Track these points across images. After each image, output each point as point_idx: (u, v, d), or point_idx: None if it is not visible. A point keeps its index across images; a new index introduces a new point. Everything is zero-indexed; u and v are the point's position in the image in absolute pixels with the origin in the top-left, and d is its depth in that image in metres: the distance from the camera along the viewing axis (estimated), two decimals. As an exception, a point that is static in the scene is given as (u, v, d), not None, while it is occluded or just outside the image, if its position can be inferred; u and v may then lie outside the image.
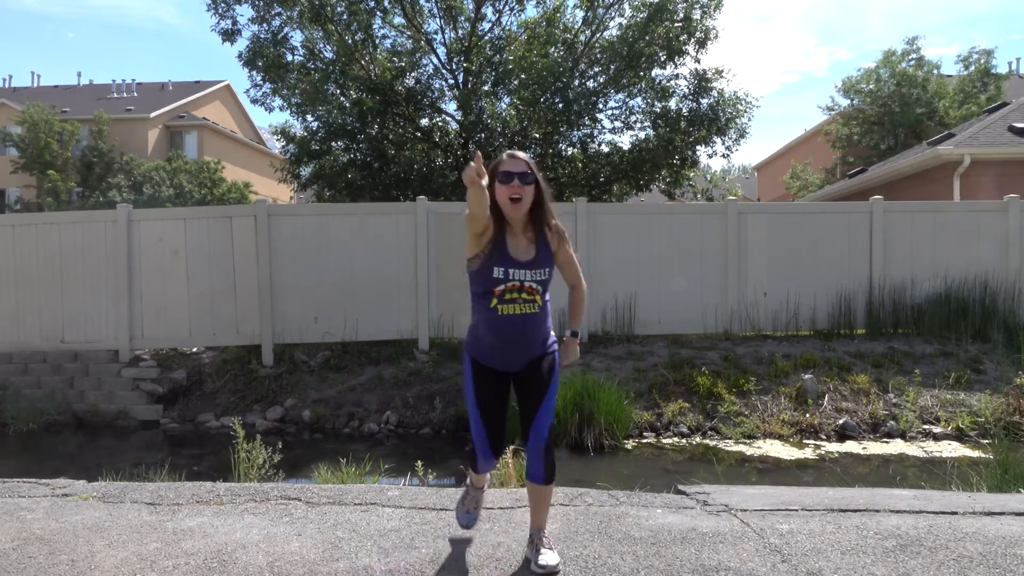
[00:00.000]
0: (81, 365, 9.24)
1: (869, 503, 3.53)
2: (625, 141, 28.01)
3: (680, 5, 13.68)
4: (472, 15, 14.79)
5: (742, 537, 3.04)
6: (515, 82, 13.84)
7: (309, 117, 14.49)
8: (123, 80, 35.20)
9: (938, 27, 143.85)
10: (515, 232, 2.75)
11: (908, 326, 9.55)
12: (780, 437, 7.24)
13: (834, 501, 3.59)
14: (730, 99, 13.89)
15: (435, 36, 15.04)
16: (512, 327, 2.72)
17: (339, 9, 13.87)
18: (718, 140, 14.10)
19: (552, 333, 2.89)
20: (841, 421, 7.42)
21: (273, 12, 14.36)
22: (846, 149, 23.36)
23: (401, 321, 9.42)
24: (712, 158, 25.91)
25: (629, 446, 7.10)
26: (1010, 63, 28.90)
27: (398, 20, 14.74)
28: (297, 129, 15.16)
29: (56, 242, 9.45)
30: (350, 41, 14.21)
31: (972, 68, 22.30)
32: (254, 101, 15.18)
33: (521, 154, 2.72)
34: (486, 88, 14.38)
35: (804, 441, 7.20)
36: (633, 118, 14.80)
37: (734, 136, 14.06)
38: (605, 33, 14.59)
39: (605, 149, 14.92)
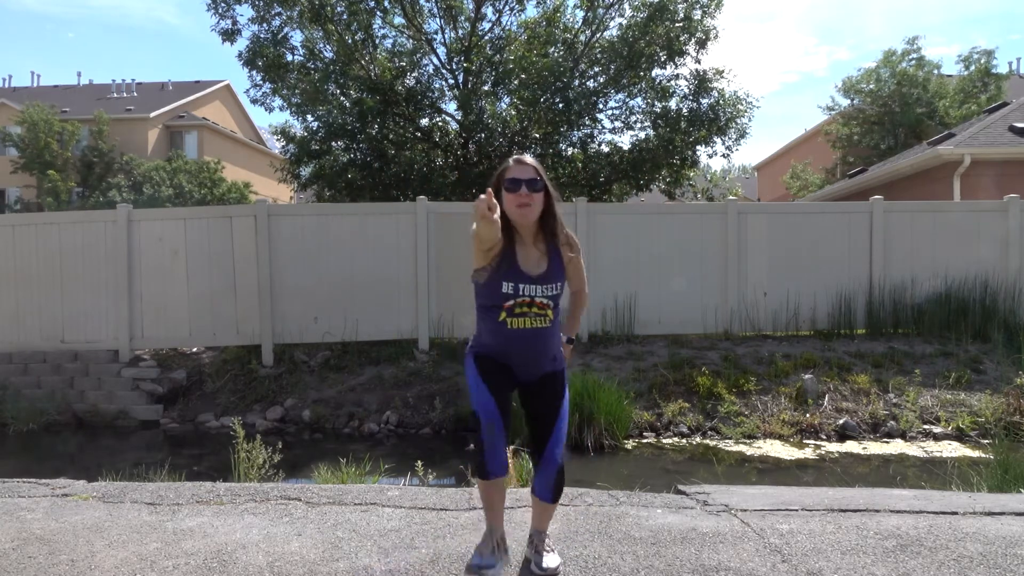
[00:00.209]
0: (81, 365, 9.24)
1: (869, 503, 3.52)
2: (625, 141, 28.03)
3: (680, 5, 13.68)
4: (472, 15, 14.80)
5: (742, 537, 3.04)
6: (515, 82, 13.84)
7: (309, 117, 14.50)
8: (123, 80, 35.20)
9: (938, 27, 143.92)
10: (525, 243, 2.62)
11: (908, 326, 9.55)
12: (780, 437, 7.24)
13: (834, 501, 3.59)
14: (730, 99, 13.89)
15: (435, 36, 15.06)
16: (523, 341, 2.62)
17: (339, 9, 13.87)
18: (718, 140, 14.11)
19: (561, 348, 2.78)
20: (841, 421, 7.42)
21: (273, 12, 14.36)
22: (846, 149, 23.36)
23: (401, 321, 9.42)
24: (712, 158, 25.92)
25: (629, 446, 7.10)
26: (1010, 63, 28.91)
27: (398, 20, 14.75)
28: (297, 129, 15.18)
29: (56, 242, 9.45)
30: (350, 41, 14.21)
31: (972, 68, 22.29)
32: (254, 101, 15.20)
33: (529, 159, 2.59)
34: (486, 88, 14.38)
35: (804, 441, 7.20)
36: (633, 118, 14.82)
37: (734, 136, 14.07)
38: (605, 33, 14.61)
39: (605, 149, 14.93)
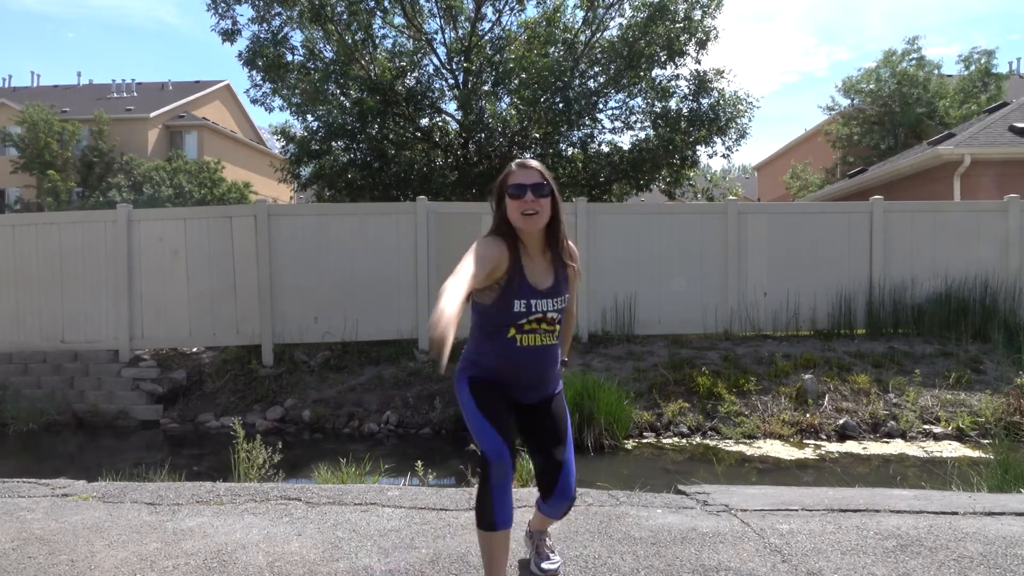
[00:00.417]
0: (81, 365, 9.24)
1: (869, 503, 3.52)
2: (625, 141, 28.04)
3: (680, 5, 13.67)
4: (472, 15, 14.79)
5: (742, 537, 3.04)
6: (515, 82, 13.84)
7: (309, 117, 14.49)
8: (123, 80, 35.20)
9: (938, 27, 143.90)
10: (530, 254, 2.40)
11: (908, 326, 9.54)
12: (780, 437, 7.24)
13: (834, 501, 3.59)
14: (730, 99, 13.89)
15: (435, 36, 15.05)
16: (535, 358, 2.40)
17: (339, 9, 13.87)
18: (718, 140, 14.10)
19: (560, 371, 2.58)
20: (841, 421, 7.42)
21: (273, 12, 14.36)
22: (846, 149, 23.35)
23: (401, 321, 9.42)
24: (712, 158, 25.93)
25: (629, 446, 7.10)
26: (1010, 63, 28.91)
27: (398, 20, 14.75)
28: (297, 129, 15.17)
29: (56, 242, 9.45)
30: (350, 41, 14.21)
31: (972, 68, 22.29)
32: (254, 101, 15.19)
33: (533, 162, 2.38)
34: (486, 88, 14.38)
35: (804, 441, 7.20)
36: (633, 118, 14.81)
37: (734, 136, 14.06)
38: (605, 33, 14.60)
39: (605, 149, 14.92)
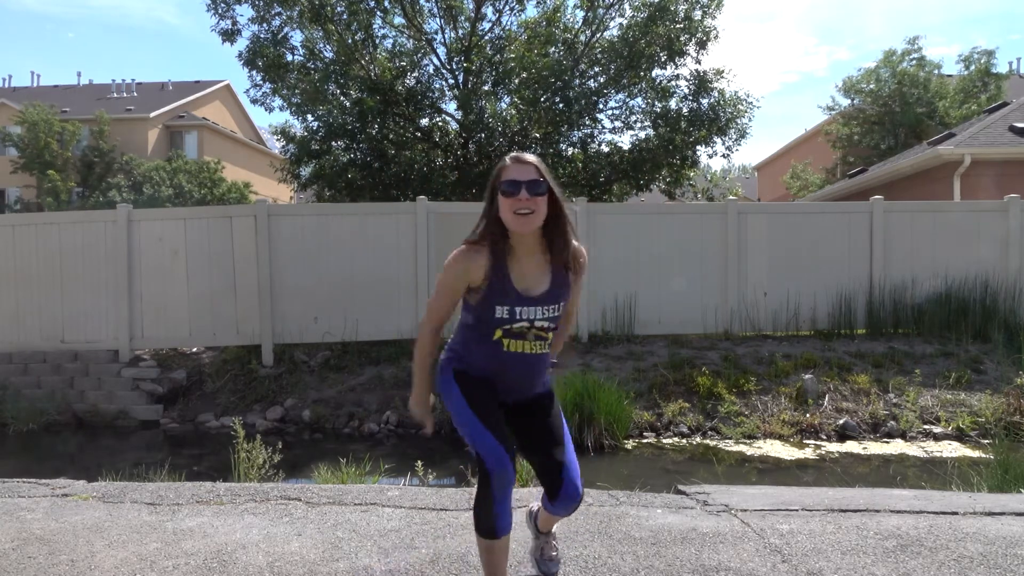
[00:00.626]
0: (81, 365, 9.23)
1: (869, 503, 3.52)
2: (625, 141, 27.99)
3: (680, 5, 13.68)
4: (472, 15, 14.79)
5: (742, 537, 3.04)
6: (515, 82, 13.84)
7: (309, 117, 14.49)
8: (123, 80, 35.20)
9: (938, 27, 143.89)
10: (520, 257, 2.21)
11: (908, 326, 9.54)
12: (780, 437, 7.24)
13: (834, 501, 3.59)
14: (730, 99, 13.90)
15: (435, 36, 15.06)
16: (522, 364, 2.27)
17: (339, 9, 13.87)
18: (718, 140, 14.11)
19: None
20: (841, 421, 7.42)
21: (273, 12, 14.36)
22: (846, 149, 23.35)
23: (401, 321, 9.41)
24: (712, 158, 25.93)
25: (629, 446, 7.09)
26: (1010, 63, 28.91)
27: (398, 20, 14.75)
28: (297, 129, 15.18)
29: (56, 242, 9.45)
30: (350, 41, 14.21)
31: (972, 68, 22.30)
32: (254, 101, 15.20)
33: (529, 157, 2.18)
34: (486, 88, 14.38)
35: (804, 441, 7.19)
36: (633, 118, 14.82)
37: (734, 136, 14.07)
38: (605, 33, 14.61)
39: (605, 149, 14.93)
